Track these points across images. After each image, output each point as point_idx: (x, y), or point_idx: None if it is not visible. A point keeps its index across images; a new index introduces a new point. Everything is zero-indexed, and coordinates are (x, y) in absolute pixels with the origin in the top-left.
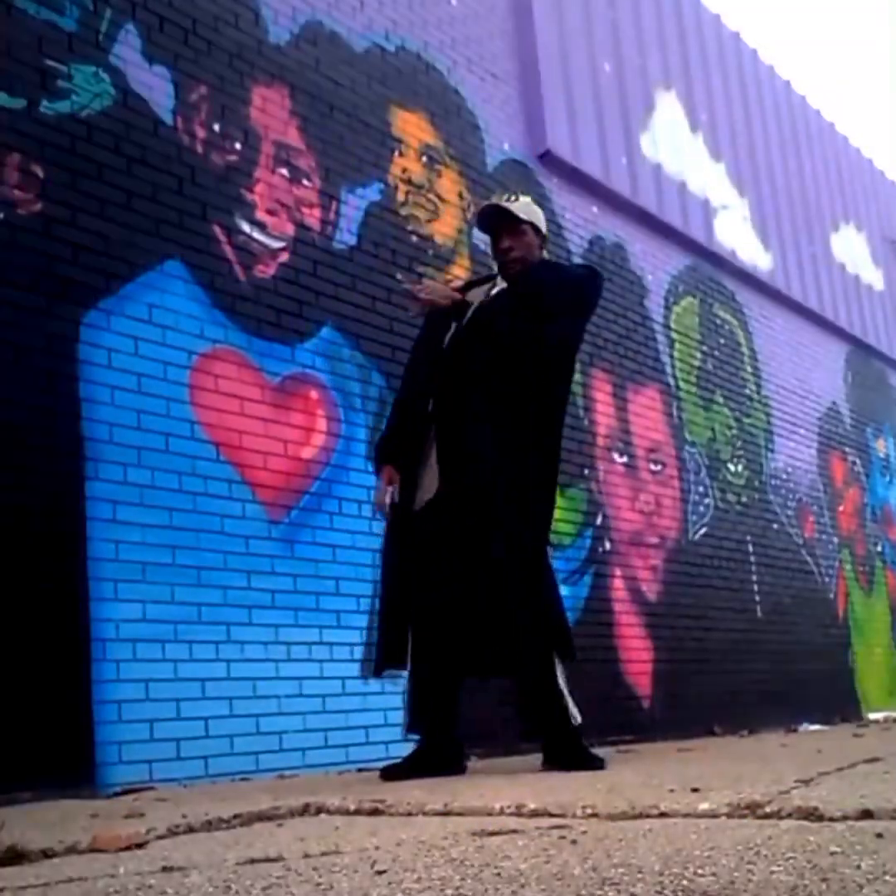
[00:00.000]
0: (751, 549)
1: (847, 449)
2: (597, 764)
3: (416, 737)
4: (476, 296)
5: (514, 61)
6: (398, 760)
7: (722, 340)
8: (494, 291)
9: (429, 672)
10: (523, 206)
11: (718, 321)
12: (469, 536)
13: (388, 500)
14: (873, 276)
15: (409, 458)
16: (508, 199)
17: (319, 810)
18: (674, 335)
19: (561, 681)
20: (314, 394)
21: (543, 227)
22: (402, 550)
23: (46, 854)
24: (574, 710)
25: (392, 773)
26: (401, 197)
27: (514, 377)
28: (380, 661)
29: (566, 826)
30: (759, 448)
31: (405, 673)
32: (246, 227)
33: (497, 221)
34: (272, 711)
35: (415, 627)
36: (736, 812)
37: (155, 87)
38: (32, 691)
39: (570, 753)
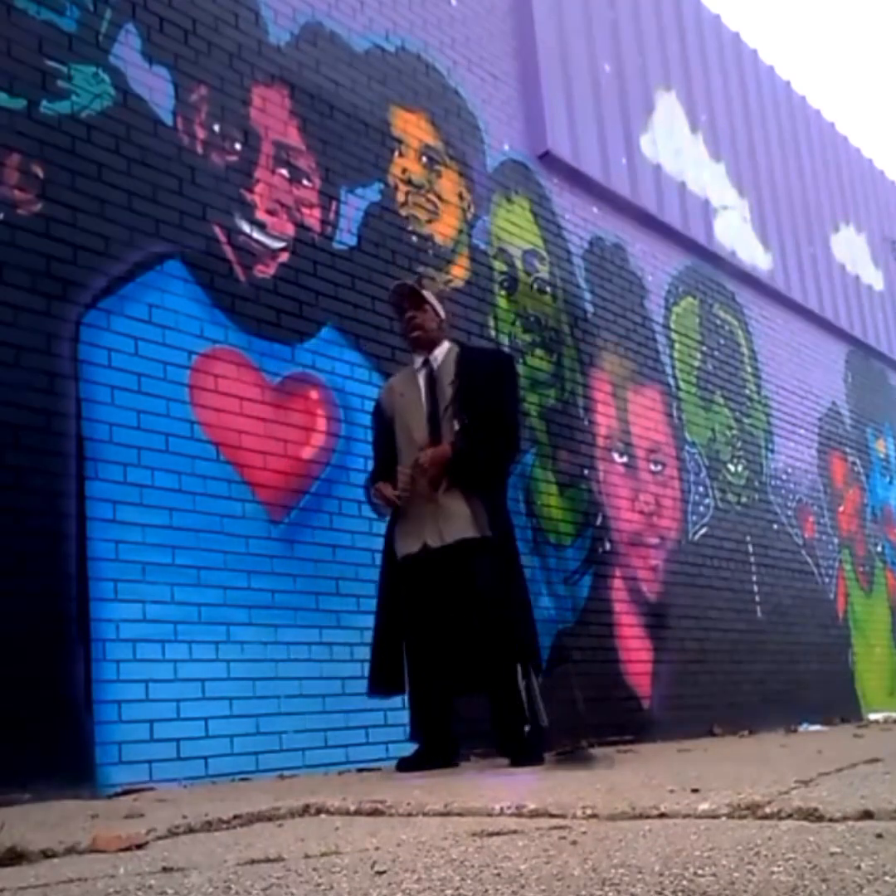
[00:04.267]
0: (751, 549)
1: (847, 449)
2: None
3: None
4: (405, 377)
5: (514, 61)
6: (410, 755)
7: (722, 341)
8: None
9: (425, 693)
10: (430, 290)
11: (718, 321)
12: (451, 582)
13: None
14: (873, 276)
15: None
16: (419, 283)
17: (319, 810)
18: (674, 335)
19: (523, 693)
20: (314, 394)
21: (442, 312)
22: (395, 594)
23: (46, 854)
24: (543, 714)
25: (403, 766)
26: (401, 197)
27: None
28: (373, 683)
29: (566, 826)
30: (759, 448)
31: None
32: (246, 227)
33: (405, 298)
34: (272, 711)
35: (410, 657)
36: (736, 812)
37: (155, 87)
38: (33, 692)
39: (519, 751)
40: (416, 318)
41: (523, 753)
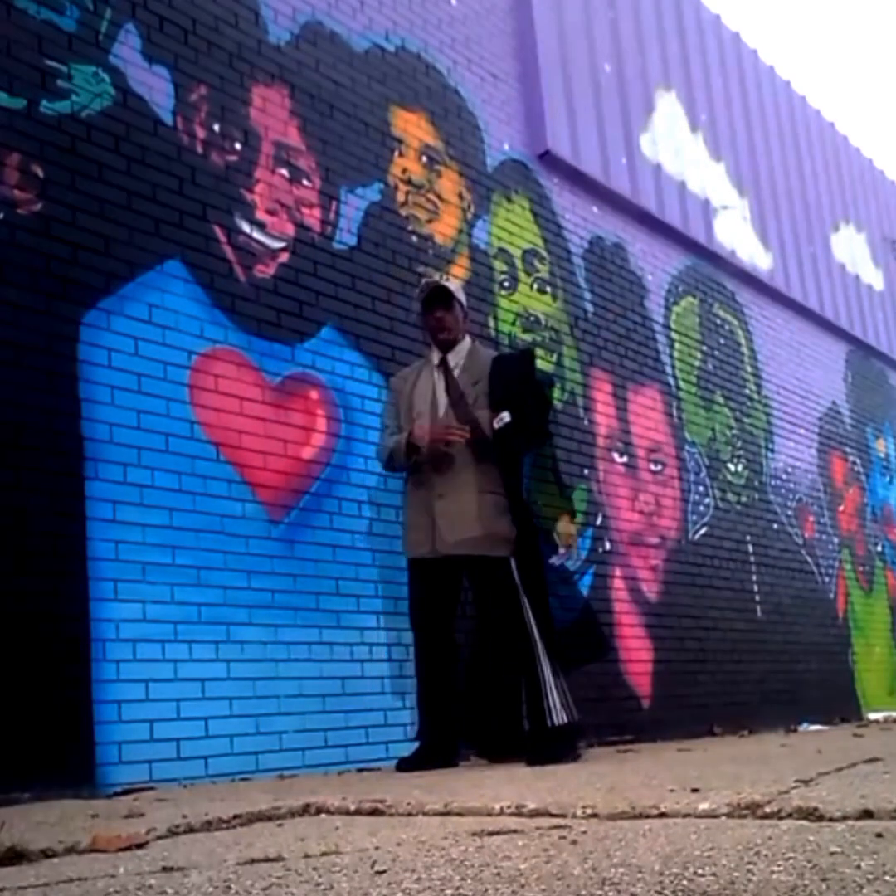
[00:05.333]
0: (751, 549)
1: (847, 449)
2: (559, 757)
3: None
4: (420, 372)
5: (514, 61)
6: (410, 755)
7: (722, 340)
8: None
9: (428, 693)
10: (456, 288)
11: (718, 321)
12: (460, 583)
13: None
14: (873, 276)
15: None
16: (443, 279)
17: (319, 810)
18: (674, 335)
19: (548, 684)
20: (314, 394)
21: (465, 310)
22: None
23: (46, 854)
24: (556, 713)
25: (403, 766)
26: (401, 197)
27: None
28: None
29: (566, 826)
30: (759, 448)
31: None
32: (246, 227)
33: (436, 297)
34: (272, 711)
35: (417, 656)
36: (736, 812)
37: (155, 87)
38: (32, 691)
39: (541, 746)
40: (445, 319)
41: (537, 751)
